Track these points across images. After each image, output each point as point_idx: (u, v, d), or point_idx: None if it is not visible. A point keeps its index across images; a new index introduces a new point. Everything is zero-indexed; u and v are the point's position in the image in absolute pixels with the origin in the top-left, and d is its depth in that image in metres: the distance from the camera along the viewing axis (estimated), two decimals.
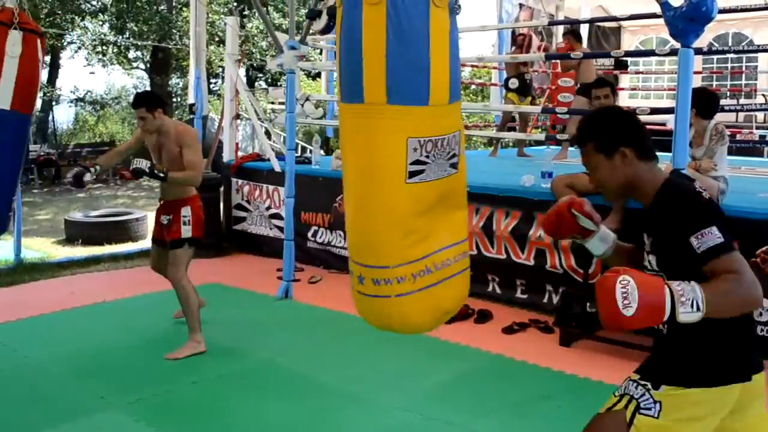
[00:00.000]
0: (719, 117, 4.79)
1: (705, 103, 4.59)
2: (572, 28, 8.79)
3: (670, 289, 1.72)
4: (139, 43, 17.81)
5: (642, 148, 2.02)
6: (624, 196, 2.09)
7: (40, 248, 7.86)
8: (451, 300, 2.47)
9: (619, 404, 1.95)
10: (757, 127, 10.98)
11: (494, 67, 11.53)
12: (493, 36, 11.40)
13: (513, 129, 9.26)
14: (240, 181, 7.60)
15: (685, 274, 1.80)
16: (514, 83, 8.47)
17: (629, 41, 13.52)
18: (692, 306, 1.71)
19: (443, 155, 2.30)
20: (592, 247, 2.24)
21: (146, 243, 8.10)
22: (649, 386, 1.93)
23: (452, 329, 4.96)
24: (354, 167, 2.32)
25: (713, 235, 1.82)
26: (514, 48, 9.79)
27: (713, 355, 1.93)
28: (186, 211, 4.46)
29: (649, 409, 1.91)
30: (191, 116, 8.60)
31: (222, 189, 7.65)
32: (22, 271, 6.45)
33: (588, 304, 4.80)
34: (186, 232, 4.43)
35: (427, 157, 2.26)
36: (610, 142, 2.02)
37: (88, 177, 4.38)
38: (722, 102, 9.94)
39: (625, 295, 1.69)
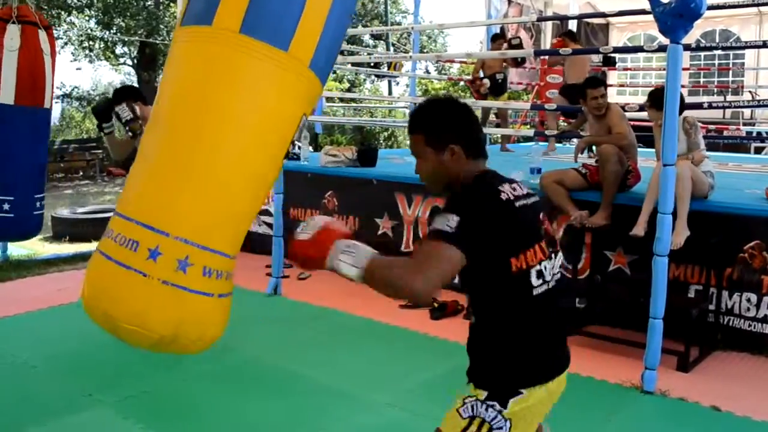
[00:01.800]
0: (707, 112, 4.82)
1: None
2: (568, 29, 8.82)
3: (346, 243, 1.78)
4: (126, 39, 17.69)
5: (471, 146, 1.97)
6: (446, 190, 1.99)
7: (27, 245, 7.79)
8: (226, 320, 2.08)
9: (472, 427, 1.91)
10: (744, 124, 11.06)
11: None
12: (481, 32, 11.41)
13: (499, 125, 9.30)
14: None
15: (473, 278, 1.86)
16: (486, 83, 8.51)
17: (617, 38, 13.58)
18: (355, 261, 1.76)
19: (300, 131, 2.05)
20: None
21: None
22: (498, 406, 1.90)
23: (441, 325, 4.97)
24: (229, 107, 1.85)
25: (444, 221, 1.77)
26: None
27: (524, 360, 1.94)
28: None
29: (501, 428, 1.90)
30: None
31: None
32: (8, 268, 6.40)
33: (577, 299, 4.81)
34: None
35: (293, 144, 2.02)
36: (440, 138, 1.95)
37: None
38: (709, 99, 10.02)
39: (305, 226, 1.82)
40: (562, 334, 2.07)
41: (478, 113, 9.60)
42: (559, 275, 2.04)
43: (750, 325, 4.45)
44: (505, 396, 1.91)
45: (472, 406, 1.94)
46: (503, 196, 1.88)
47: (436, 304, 5.30)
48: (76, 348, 4.42)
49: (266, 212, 7.00)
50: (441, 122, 1.98)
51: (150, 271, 1.73)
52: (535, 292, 1.90)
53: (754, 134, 10.34)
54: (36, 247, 7.73)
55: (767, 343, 4.40)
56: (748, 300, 4.45)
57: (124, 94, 4.31)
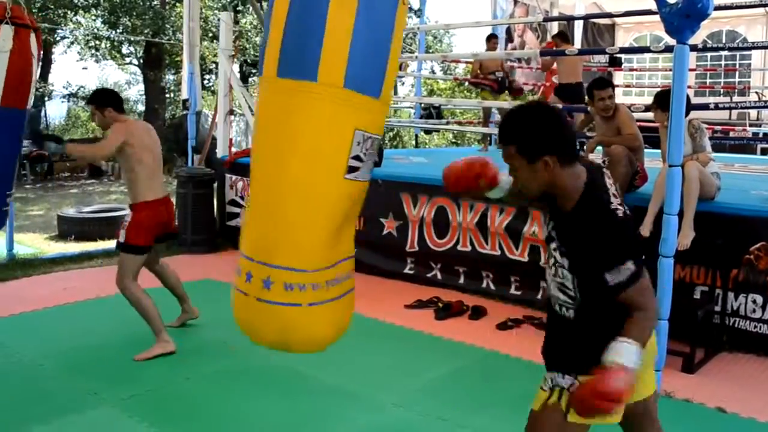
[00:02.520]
0: (713, 114, 4.80)
1: None
2: (560, 30, 8.83)
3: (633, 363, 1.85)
4: (132, 38, 17.72)
5: (564, 154, 1.98)
6: (545, 196, 2.06)
7: (33, 244, 7.82)
8: (347, 316, 2.32)
9: (553, 397, 2.07)
10: (750, 125, 11.00)
11: None
12: (487, 32, 11.39)
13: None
14: (234, 177, 7.58)
15: (594, 285, 1.97)
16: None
17: (623, 38, 13.55)
18: (637, 359, 1.85)
19: (372, 157, 2.17)
20: (492, 194, 2.26)
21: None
22: (575, 375, 2.04)
23: (446, 326, 4.97)
24: (288, 151, 2.06)
25: (623, 272, 1.92)
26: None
27: (588, 352, 2.01)
28: (128, 216, 4.36)
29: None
30: (185, 112, 8.58)
31: (216, 185, 7.63)
32: (14, 267, 6.41)
33: None
34: (121, 236, 4.32)
35: (364, 155, 2.11)
36: (533, 150, 1.97)
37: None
38: (715, 100, 9.98)
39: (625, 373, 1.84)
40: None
41: (480, 113, 9.62)
42: None
43: (756, 327, 4.44)
44: (581, 371, 2.02)
45: (552, 378, 2.10)
46: (619, 213, 1.98)
47: (440, 304, 5.31)
48: (81, 346, 4.44)
49: None
50: (533, 133, 1.98)
51: (248, 290, 2.11)
52: None
53: (761, 135, 10.29)
54: (42, 246, 7.75)
55: None
56: (754, 301, 4.43)
57: (92, 98, 4.32)
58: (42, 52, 4.25)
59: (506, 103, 8.43)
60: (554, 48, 8.27)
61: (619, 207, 2.00)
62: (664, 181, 4.29)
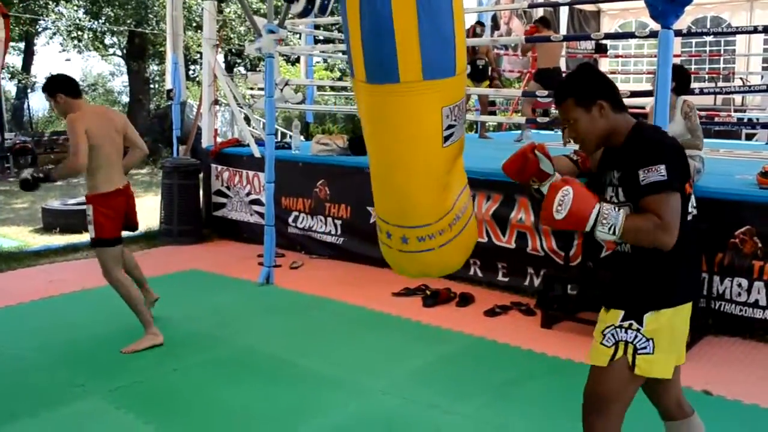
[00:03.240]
0: (698, 99, 4.82)
1: (682, 79, 4.63)
2: (542, 15, 8.86)
3: (600, 209, 2.03)
4: (115, 29, 17.56)
5: (616, 100, 2.22)
6: (601, 145, 2.26)
7: (17, 237, 7.76)
8: (473, 238, 2.72)
9: (619, 352, 2.14)
10: (735, 110, 11.06)
11: None
12: (473, 18, 11.37)
13: (493, 113, 9.29)
14: (219, 167, 7.54)
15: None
16: (466, 69, 8.53)
17: (609, 25, 13.54)
18: (609, 229, 2.03)
19: (463, 116, 2.48)
20: (546, 190, 2.39)
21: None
22: (635, 325, 2.14)
23: (434, 313, 4.98)
24: (393, 141, 2.44)
25: (658, 173, 2.05)
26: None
27: (671, 277, 2.18)
28: (89, 210, 4.23)
29: (645, 348, 2.13)
30: (169, 102, 8.51)
31: (201, 175, 7.59)
32: None
33: (569, 286, 4.82)
34: (91, 232, 4.25)
35: (456, 120, 2.42)
36: (588, 96, 2.19)
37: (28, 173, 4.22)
38: (701, 85, 10.02)
39: (561, 201, 2.04)
40: (699, 264, 2.37)
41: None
42: (696, 211, 2.28)
43: (741, 310, 4.47)
44: (640, 313, 2.14)
45: (612, 334, 2.17)
46: (667, 139, 2.17)
47: (428, 292, 5.31)
48: (67, 339, 4.41)
49: (257, 201, 6.99)
50: (586, 83, 2.23)
51: (391, 244, 2.58)
52: (689, 217, 2.19)
53: (745, 120, 10.35)
54: (27, 238, 7.69)
55: (758, 327, 4.42)
56: (739, 285, 4.46)
57: (45, 86, 4.20)
58: (9, 37, 4.14)
59: (492, 90, 8.45)
60: (536, 33, 8.28)
61: (670, 137, 2.19)
62: None
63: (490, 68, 8.98)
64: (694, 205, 2.25)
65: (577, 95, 2.21)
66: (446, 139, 2.40)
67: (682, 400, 2.45)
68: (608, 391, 2.18)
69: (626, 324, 2.14)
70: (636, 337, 2.13)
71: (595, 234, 2.04)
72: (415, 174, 2.44)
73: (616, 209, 2.06)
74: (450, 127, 2.39)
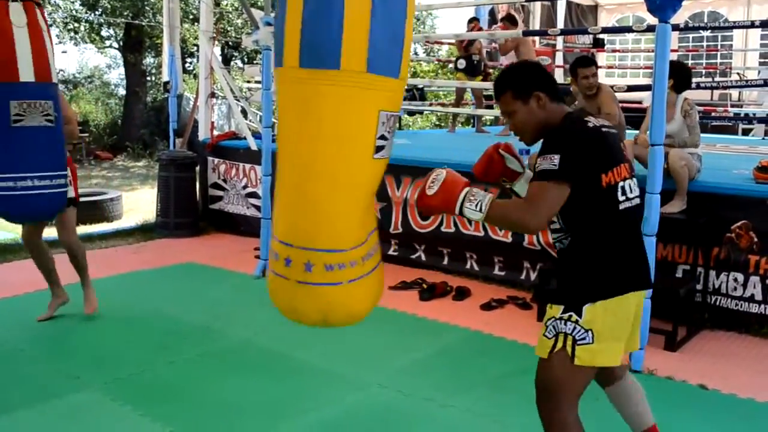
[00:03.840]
0: (695, 94, 4.81)
1: (682, 76, 4.61)
2: (507, 14, 8.96)
3: (468, 189, 2.13)
4: (112, 21, 17.48)
5: (553, 91, 2.27)
6: (540, 136, 2.27)
7: (13, 229, 7.72)
8: (381, 286, 2.41)
9: (558, 344, 2.18)
10: (732, 105, 11.06)
11: None
12: (470, 13, 11.35)
13: (490, 107, 9.29)
14: (216, 160, 7.53)
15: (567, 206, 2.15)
16: (461, 64, 8.63)
17: (606, 20, 13.54)
18: (476, 206, 2.10)
19: (393, 134, 2.25)
20: (519, 189, 2.48)
21: (121, 223, 8.02)
22: (575, 317, 2.16)
23: (431, 306, 4.98)
24: (317, 140, 2.12)
25: (550, 161, 2.10)
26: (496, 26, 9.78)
27: (608, 268, 2.20)
28: (68, 172, 4.33)
29: (584, 338, 2.15)
30: (166, 95, 8.47)
31: (198, 168, 7.57)
32: None
33: None
34: (70, 192, 4.38)
35: (389, 132, 2.20)
36: (525, 89, 2.25)
37: None
38: (698, 80, 10.01)
39: (434, 179, 2.15)
40: (644, 253, 2.32)
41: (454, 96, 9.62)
42: (638, 201, 2.28)
43: (737, 305, 4.48)
44: (579, 305, 2.16)
45: (553, 326, 2.20)
46: (590, 125, 2.20)
47: (425, 286, 5.31)
48: (63, 331, 4.41)
49: (254, 194, 6.98)
50: (522, 76, 2.30)
51: (288, 274, 2.18)
52: (620, 207, 2.18)
53: (742, 115, 10.35)
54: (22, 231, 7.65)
55: (753, 322, 4.43)
56: (735, 279, 4.47)
57: None
58: (43, 23, 4.17)
59: (487, 84, 8.45)
60: (504, 28, 8.34)
61: (596, 123, 2.22)
62: (630, 150, 4.44)
63: (483, 64, 9.01)
64: (632, 195, 2.23)
65: (515, 88, 2.26)
66: (378, 150, 2.16)
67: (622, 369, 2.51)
68: (552, 381, 2.21)
69: (566, 316, 2.18)
70: (575, 328, 2.15)
71: (463, 212, 2.11)
72: (337, 183, 2.13)
73: (486, 191, 2.16)
74: (383, 137, 2.16)
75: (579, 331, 2.15)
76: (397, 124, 2.36)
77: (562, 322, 2.18)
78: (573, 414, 2.23)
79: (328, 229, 2.16)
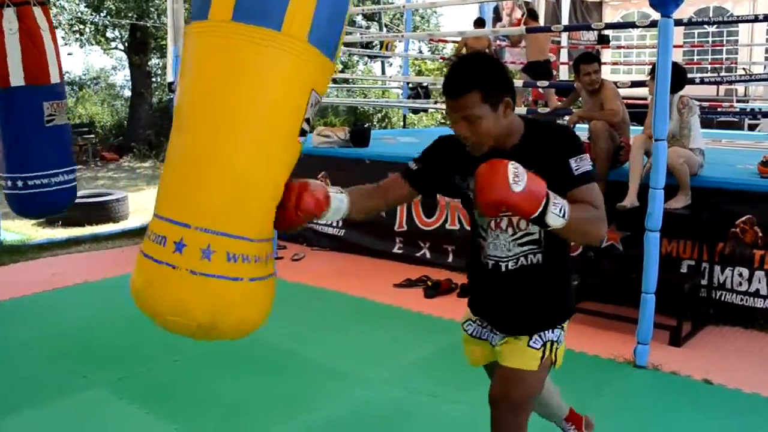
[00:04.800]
0: (701, 90, 4.80)
1: (676, 76, 4.59)
2: (529, 8, 8.94)
3: (550, 192, 1.77)
4: (117, 22, 17.54)
5: (514, 98, 1.99)
6: (492, 147, 1.95)
7: (20, 230, 7.78)
8: (272, 299, 2.05)
9: (547, 352, 2.10)
10: (738, 101, 11.03)
11: None
12: (474, 10, 11.34)
13: None
14: None
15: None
16: None
17: (611, 16, 13.52)
18: (560, 211, 1.76)
19: (310, 124, 1.99)
20: (327, 219, 2.05)
21: (128, 223, 8.06)
22: (560, 326, 2.14)
23: (435, 303, 4.99)
24: (242, 105, 1.82)
25: (588, 162, 1.93)
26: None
27: (564, 300, 2.16)
28: None
29: (562, 341, 2.15)
30: (171, 95, 8.50)
31: None
32: (2, 254, 6.38)
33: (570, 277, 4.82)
34: None
35: (308, 121, 1.94)
36: (497, 93, 1.90)
37: None
38: (703, 75, 9.99)
39: (516, 174, 1.72)
40: None
41: None
42: None
43: (742, 300, 4.48)
44: (561, 322, 2.15)
45: (540, 336, 2.10)
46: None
47: (429, 283, 5.32)
48: (70, 331, 4.43)
49: None
50: (495, 77, 1.91)
51: (178, 262, 1.79)
52: None
53: (748, 111, 10.32)
54: (29, 232, 7.71)
55: (759, 317, 4.43)
56: (740, 274, 4.47)
57: None
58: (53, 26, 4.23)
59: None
60: (519, 22, 8.35)
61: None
62: (637, 151, 4.53)
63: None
64: None
65: (485, 89, 1.88)
66: (302, 133, 1.91)
67: None
68: (534, 392, 2.13)
69: (555, 327, 2.14)
70: (560, 335, 2.13)
71: (545, 217, 1.75)
72: (259, 156, 1.84)
73: (558, 195, 1.82)
74: (308, 121, 1.92)
75: (559, 334, 2.13)
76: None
77: (550, 330, 2.12)
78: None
79: (238, 208, 1.82)
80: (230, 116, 1.83)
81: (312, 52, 1.87)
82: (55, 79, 4.31)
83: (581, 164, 1.91)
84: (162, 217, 1.85)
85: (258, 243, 1.86)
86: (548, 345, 2.09)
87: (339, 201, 2.00)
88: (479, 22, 9.16)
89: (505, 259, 2.07)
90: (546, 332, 2.10)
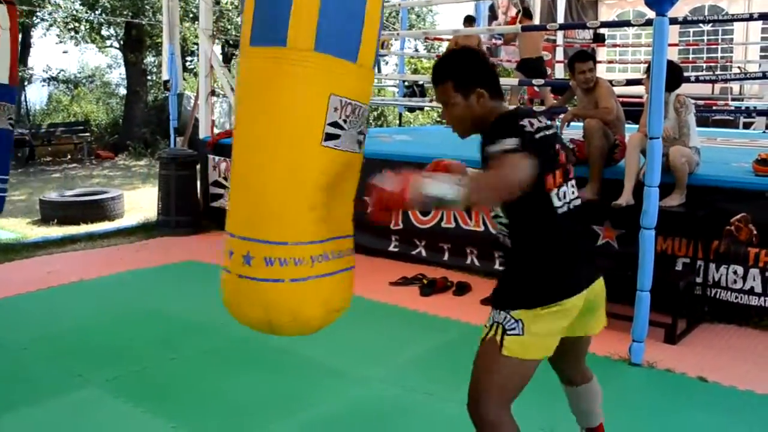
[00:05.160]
0: (696, 88, 4.81)
1: (672, 75, 4.59)
2: (523, 6, 8.96)
3: (430, 175, 1.93)
4: (112, 20, 17.48)
5: (494, 88, 2.15)
6: (473, 131, 2.17)
7: (15, 229, 7.76)
8: (341, 298, 2.20)
9: (491, 332, 2.12)
10: (733, 99, 11.06)
11: None
12: (470, 9, 11.34)
13: None
14: (217, 158, 7.54)
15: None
16: None
17: (606, 14, 13.54)
18: (446, 185, 1.84)
19: (356, 126, 2.10)
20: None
21: (123, 221, 8.05)
22: (509, 310, 2.10)
23: (431, 302, 4.99)
24: (260, 120, 2.00)
25: (503, 143, 1.95)
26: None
27: (544, 279, 2.11)
28: None
29: (514, 328, 2.08)
30: (166, 93, 8.49)
31: (198, 166, 7.58)
32: None
33: None
34: None
35: (345, 121, 2.03)
36: (467, 83, 2.11)
37: None
38: (698, 74, 10.01)
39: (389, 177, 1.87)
40: (584, 255, 2.23)
41: None
42: (578, 201, 2.22)
43: (736, 297, 4.49)
44: (511, 307, 2.10)
45: (492, 317, 2.14)
46: (526, 129, 2.04)
47: (425, 281, 5.32)
48: (65, 329, 4.42)
49: None
50: (466, 68, 2.14)
51: (231, 268, 2.04)
52: (559, 211, 2.10)
53: (743, 109, 10.34)
54: (24, 230, 7.69)
55: (753, 314, 4.44)
56: (735, 272, 4.48)
57: None
58: (16, 26, 4.13)
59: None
60: (514, 21, 8.37)
61: (532, 127, 2.06)
62: (633, 150, 4.54)
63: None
64: (569, 198, 2.15)
65: (456, 79, 2.12)
66: (328, 137, 1.99)
67: (584, 367, 2.48)
68: (480, 371, 2.13)
69: (501, 310, 2.12)
70: (506, 318, 2.08)
71: (429, 188, 1.83)
72: (275, 165, 1.98)
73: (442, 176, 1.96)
74: (335, 125, 2.00)
75: (509, 320, 2.07)
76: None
77: (497, 312, 2.12)
78: (502, 414, 2.11)
79: (267, 216, 1.98)
80: (246, 132, 2.03)
81: (320, 59, 1.96)
82: (2, 80, 4.21)
83: (492, 147, 1.96)
84: (226, 231, 2.13)
85: (296, 246, 1.99)
86: (494, 326, 2.11)
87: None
88: (469, 20, 9.16)
89: (498, 234, 2.27)
90: (495, 312, 2.13)
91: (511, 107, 2.25)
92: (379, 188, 1.86)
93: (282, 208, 1.99)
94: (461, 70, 2.14)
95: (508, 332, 2.07)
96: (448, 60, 2.22)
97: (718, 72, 11.24)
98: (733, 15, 10.12)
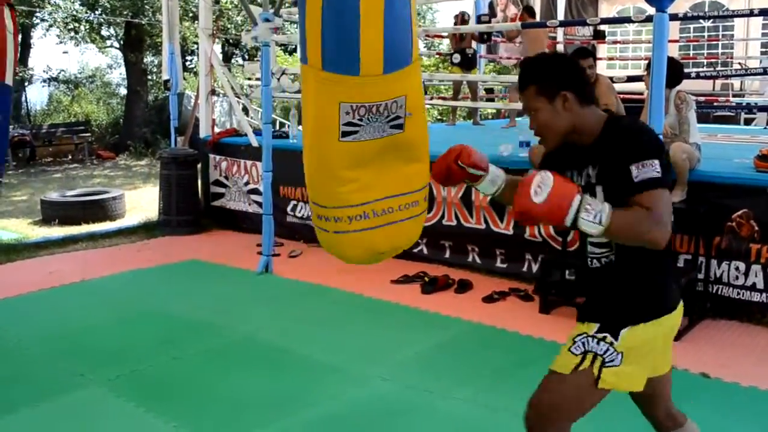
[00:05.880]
0: (697, 85, 4.80)
1: (673, 71, 4.59)
2: (526, 4, 8.95)
3: (581, 198, 1.82)
4: (111, 20, 17.48)
5: (583, 93, 2.03)
6: (563, 141, 2.06)
7: (17, 229, 7.77)
8: (388, 244, 2.71)
9: (585, 363, 1.98)
10: (734, 96, 11.04)
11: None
12: (469, 7, 11.34)
13: (492, 100, 9.30)
14: (217, 157, 7.54)
15: (625, 202, 1.88)
16: (456, 58, 8.66)
17: (607, 11, 13.50)
18: (595, 218, 1.80)
19: (381, 119, 2.50)
20: (482, 189, 2.26)
21: (124, 221, 8.05)
22: (610, 338, 1.98)
23: (433, 299, 4.99)
24: (304, 122, 2.62)
25: (653, 169, 1.86)
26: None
27: (655, 288, 2.03)
28: None
29: (613, 360, 1.97)
30: (166, 93, 8.49)
31: (199, 165, 7.58)
32: None
33: (567, 271, 4.83)
34: None
35: (360, 120, 2.48)
36: (551, 86, 2.00)
37: None
38: (699, 70, 9.99)
39: (539, 184, 1.81)
40: (674, 271, 2.17)
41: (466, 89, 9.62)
42: None
43: (738, 294, 4.48)
44: (618, 327, 1.98)
45: (583, 343, 2.01)
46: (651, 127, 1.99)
47: (426, 279, 5.32)
48: (67, 330, 4.42)
49: (256, 191, 7.00)
50: (550, 72, 2.03)
51: (312, 218, 2.72)
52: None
53: (744, 105, 10.32)
54: (26, 231, 7.70)
55: (755, 310, 4.43)
56: (737, 268, 4.47)
57: None
58: (17, 28, 4.14)
59: (489, 77, 8.46)
60: (519, 18, 8.35)
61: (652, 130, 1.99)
62: None
63: (477, 57, 9.04)
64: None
65: (540, 83, 2.02)
66: (345, 134, 2.48)
67: (673, 410, 2.32)
68: (565, 401, 2.02)
69: (600, 336, 1.99)
70: (607, 350, 1.97)
71: (578, 223, 1.81)
72: (310, 155, 2.61)
73: (600, 201, 1.86)
74: (350, 124, 2.46)
75: (611, 353, 1.96)
76: (397, 109, 2.59)
77: (595, 341, 1.99)
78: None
79: (312, 188, 2.64)
80: (304, 130, 2.64)
81: (328, 75, 2.44)
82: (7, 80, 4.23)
83: (642, 171, 1.87)
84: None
85: (333, 209, 2.56)
86: (588, 356, 1.98)
87: (497, 172, 2.23)
88: (458, 16, 9.17)
89: (591, 257, 2.12)
90: (589, 340, 2.00)
91: (620, 113, 2.15)
92: (530, 203, 1.81)
93: (319, 185, 2.61)
94: (543, 74, 2.03)
95: (607, 364, 1.97)
96: (530, 65, 2.10)
97: (719, 68, 11.22)
98: (733, 11, 10.10)
